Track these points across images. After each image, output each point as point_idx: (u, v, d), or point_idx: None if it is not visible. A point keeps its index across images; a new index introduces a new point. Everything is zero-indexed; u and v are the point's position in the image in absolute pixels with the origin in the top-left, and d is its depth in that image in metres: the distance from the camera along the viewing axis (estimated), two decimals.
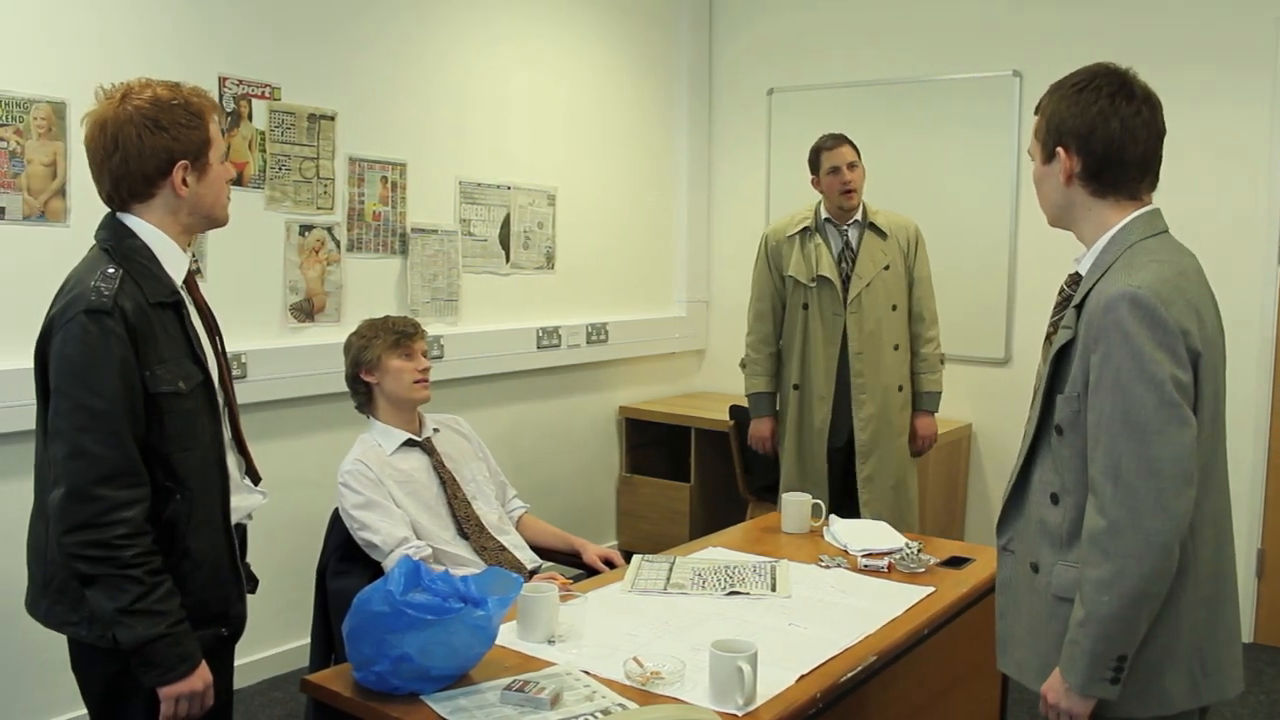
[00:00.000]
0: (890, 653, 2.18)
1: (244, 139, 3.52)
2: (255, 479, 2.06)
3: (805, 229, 3.86)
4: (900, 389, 3.84)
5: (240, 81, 3.50)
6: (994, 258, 4.69)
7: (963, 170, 4.76)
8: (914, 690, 2.36)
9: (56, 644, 3.14)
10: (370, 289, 3.95)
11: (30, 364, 2.96)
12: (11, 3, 2.98)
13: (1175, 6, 4.22)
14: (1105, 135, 1.70)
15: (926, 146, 4.83)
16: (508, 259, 4.53)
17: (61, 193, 3.10)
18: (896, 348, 3.81)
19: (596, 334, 4.93)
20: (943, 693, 2.51)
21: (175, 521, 1.80)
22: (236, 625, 1.96)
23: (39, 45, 3.04)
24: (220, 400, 1.93)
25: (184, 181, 1.82)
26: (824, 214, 3.87)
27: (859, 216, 3.83)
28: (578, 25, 4.83)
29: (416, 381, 2.78)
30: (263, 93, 3.57)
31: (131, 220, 1.85)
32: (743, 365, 4.08)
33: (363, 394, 2.80)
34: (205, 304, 1.98)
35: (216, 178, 1.87)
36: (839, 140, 3.82)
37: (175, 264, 1.87)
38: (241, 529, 2.05)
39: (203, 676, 1.80)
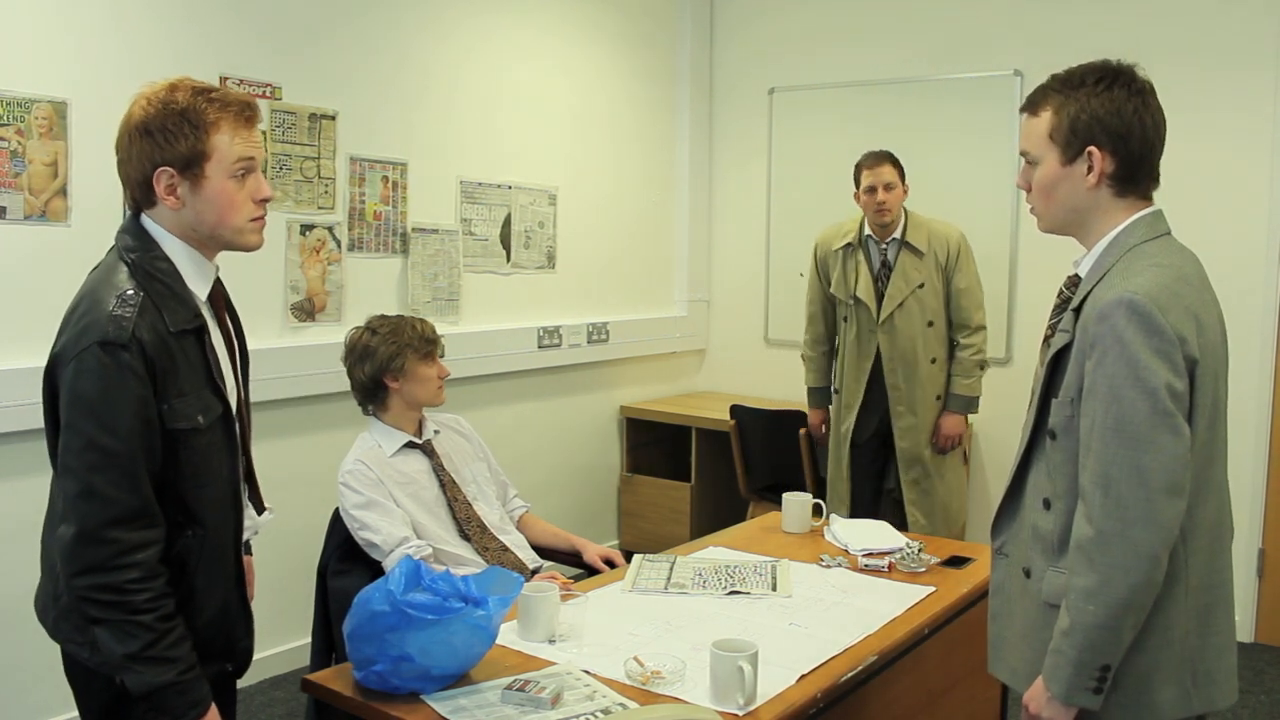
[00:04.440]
0: (891, 652, 2.18)
1: None
2: (259, 508, 1.96)
3: (849, 245, 3.99)
4: (938, 399, 4.00)
5: (241, 81, 3.50)
6: (995, 257, 4.69)
7: (963, 169, 4.76)
8: (915, 690, 2.36)
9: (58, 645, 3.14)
10: (371, 288, 3.96)
11: (34, 363, 2.98)
12: (12, 3, 2.98)
13: (1176, 5, 4.22)
14: (1141, 135, 1.67)
15: (927, 146, 4.83)
16: (509, 258, 4.53)
17: (63, 192, 3.10)
18: (934, 361, 3.96)
19: (597, 333, 4.93)
20: (943, 692, 2.51)
21: (185, 559, 1.72)
22: (242, 660, 1.89)
23: (40, 45, 3.04)
24: (238, 426, 1.84)
25: (172, 192, 1.70)
26: (867, 230, 3.97)
27: (898, 234, 3.92)
28: (579, 25, 4.83)
29: (439, 387, 2.81)
30: (264, 92, 3.57)
31: (154, 227, 1.73)
32: (804, 359, 4.29)
33: (380, 396, 2.78)
34: (229, 319, 1.88)
35: (218, 193, 1.71)
36: (880, 159, 3.87)
37: (199, 278, 1.76)
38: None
39: None
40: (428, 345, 2.78)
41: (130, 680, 1.64)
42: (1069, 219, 1.74)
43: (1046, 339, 1.78)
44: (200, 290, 1.76)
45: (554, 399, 4.80)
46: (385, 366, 2.73)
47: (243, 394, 1.89)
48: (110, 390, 1.60)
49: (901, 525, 3.85)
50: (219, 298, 1.84)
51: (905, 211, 3.95)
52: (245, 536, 1.92)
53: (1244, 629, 4.18)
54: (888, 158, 3.89)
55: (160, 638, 1.64)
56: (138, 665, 1.63)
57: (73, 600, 1.66)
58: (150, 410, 1.64)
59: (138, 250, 1.71)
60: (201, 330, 1.74)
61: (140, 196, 1.73)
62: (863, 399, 4.01)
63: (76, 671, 1.79)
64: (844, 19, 5.05)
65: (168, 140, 1.67)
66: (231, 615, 1.83)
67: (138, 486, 1.62)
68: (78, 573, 1.62)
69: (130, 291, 1.66)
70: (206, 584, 1.75)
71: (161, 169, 1.68)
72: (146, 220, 1.74)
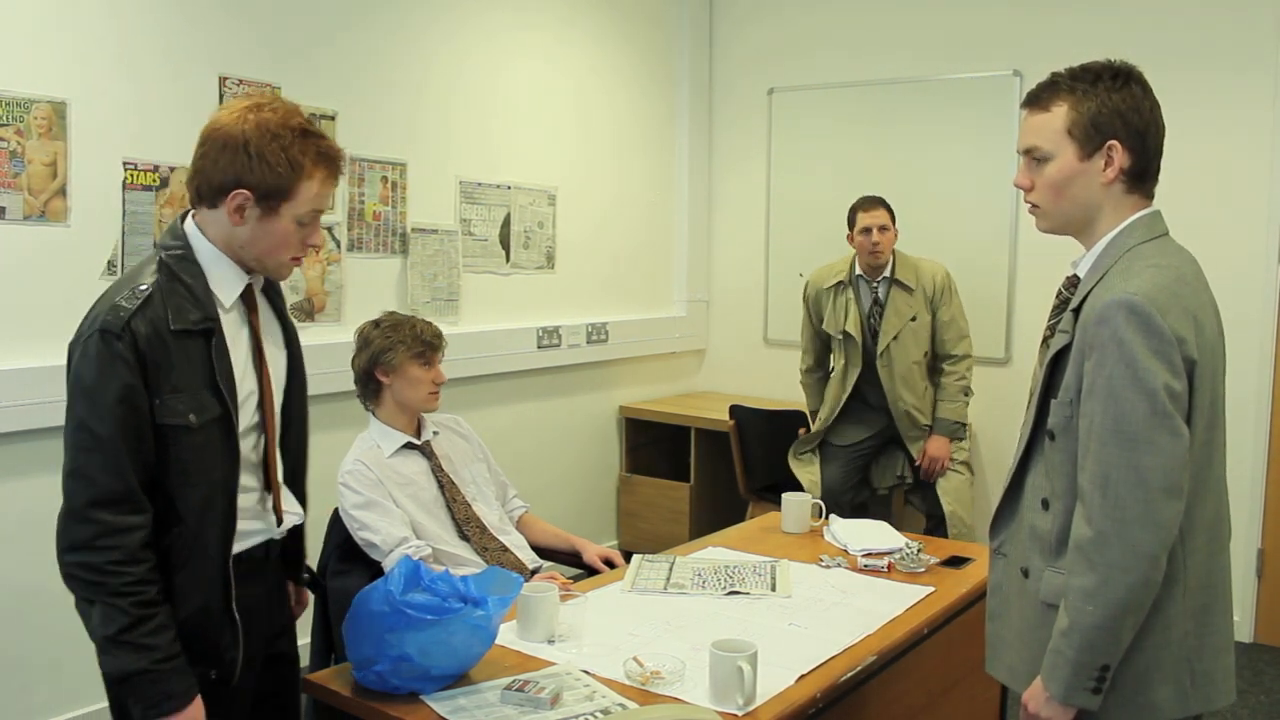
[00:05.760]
0: (890, 652, 2.18)
1: None
2: (279, 518, 1.91)
3: (839, 283, 4.17)
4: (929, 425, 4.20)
5: (240, 81, 3.50)
6: (994, 257, 4.70)
7: (963, 170, 4.76)
8: (914, 690, 2.36)
9: (56, 644, 3.15)
10: (370, 289, 3.95)
11: (33, 363, 2.99)
12: (12, 3, 2.98)
13: (1176, 6, 4.22)
14: (1155, 132, 1.69)
15: (927, 146, 4.84)
16: (508, 259, 4.53)
17: (62, 192, 3.10)
18: (928, 389, 4.16)
19: (597, 334, 4.93)
20: (942, 692, 2.51)
21: (170, 554, 1.72)
22: (228, 670, 1.82)
23: (39, 45, 3.04)
24: (258, 431, 1.84)
25: (239, 211, 1.73)
26: (858, 270, 4.16)
27: (888, 273, 4.11)
28: (578, 25, 4.83)
29: (431, 393, 2.77)
30: (263, 92, 3.57)
31: (194, 231, 1.78)
32: (802, 385, 4.48)
33: (372, 390, 2.78)
34: (260, 323, 1.86)
35: (281, 232, 1.76)
36: (874, 203, 4.07)
37: (227, 284, 1.78)
38: (298, 529, 2.00)
39: (192, 717, 1.70)
40: (421, 345, 2.75)
41: (105, 664, 1.67)
42: (1076, 216, 1.73)
43: (1045, 340, 1.78)
44: (225, 295, 1.78)
45: (553, 399, 4.80)
46: (377, 359, 2.73)
47: (272, 401, 1.87)
48: (102, 376, 1.65)
49: (899, 521, 3.95)
50: (253, 304, 1.85)
51: (894, 252, 4.13)
52: (249, 545, 1.87)
53: (1243, 629, 4.18)
54: (881, 202, 4.07)
55: (136, 623, 1.64)
56: (113, 648, 1.65)
57: (64, 578, 1.68)
58: (139, 399, 1.66)
59: (172, 249, 1.76)
60: (210, 333, 1.74)
61: (205, 196, 1.75)
62: (836, 417, 4.22)
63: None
64: (843, 19, 5.05)
65: (264, 167, 1.70)
66: (213, 620, 1.78)
67: (121, 471, 1.65)
68: (64, 549, 1.66)
69: (144, 287, 1.70)
70: (185, 583, 1.74)
71: (242, 190, 1.71)
72: (189, 223, 1.79)
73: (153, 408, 1.68)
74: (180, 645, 1.71)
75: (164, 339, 1.69)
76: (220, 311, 1.77)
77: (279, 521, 1.91)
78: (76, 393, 1.67)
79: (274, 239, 1.76)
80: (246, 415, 1.81)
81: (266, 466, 1.87)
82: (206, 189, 1.74)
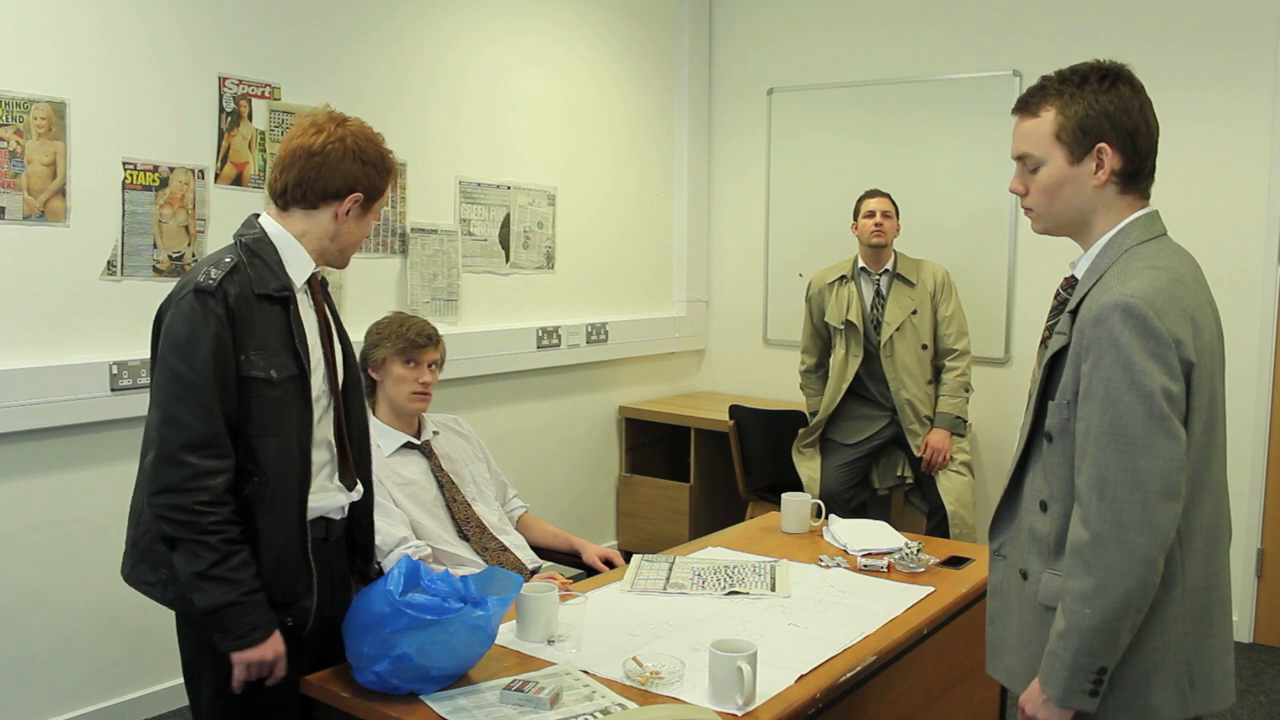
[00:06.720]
0: (890, 653, 2.18)
1: (244, 139, 3.52)
2: (350, 484, 2.09)
3: (842, 277, 4.25)
4: (929, 418, 4.23)
5: (240, 81, 3.50)
6: (994, 257, 4.70)
7: (962, 169, 4.76)
8: (913, 690, 2.36)
9: (56, 643, 3.15)
10: (370, 289, 3.95)
11: (33, 363, 2.99)
12: (12, 2, 2.98)
13: (1175, 5, 4.22)
14: (1146, 132, 1.68)
15: (926, 146, 4.84)
16: (507, 259, 4.53)
17: (61, 192, 3.10)
18: (930, 382, 4.21)
19: (596, 334, 4.93)
20: (942, 693, 2.51)
21: (251, 502, 1.89)
22: (302, 617, 1.97)
23: (39, 45, 3.04)
24: (327, 400, 2.02)
25: (348, 211, 1.99)
26: (860, 264, 4.24)
27: (889, 266, 4.20)
28: (578, 25, 4.83)
29: (415, 393, 2.74)
30: (262, 92, 3.57)
31: (269, 223, 2.00)
32: (801, 388, 4.51)
33: (369, 389, 2.78)
34: (326, 311, 2.07)
35: (368, 226, 2.06)
36: (880, 193, 4.25)
37: (298, 266, 1.99)
38: (359, 519, 2.15)
39: (274, 647, 1.88)
40: (404, 343, 2.73)
41: (197, 599, 1.83)
42: (1071, 219, 1.72)
43: (1044, 341, 1.77)
44: (296, 275, 1.99)
45: (553, 399, 4.80)
46: (367, 356, 2.74)
47: (338, 377, 2.06)
48: (196, 330, 1.83)
49: (899, 521, 3.93)
50: (318, 289, 2.05)
51: (895, 252, 4.22)
52: (320, 514, 2.01)
53: (1242, 629, 4.18)
54: (887, 194, 4.22)
55: (224, 559, 1.82)
56: (203, 583, 1.81)
57: (152, 519, 1.85)
58: (227, 353, 1.85)
59: (250, 236, 1.98)
60: (288, 301, 1.94)
61: (311, 197, 1.96)
62: (840, 412, 4.26)
63: (177, 625, 2.00)
64: (843, 19, 5.05)
65: (376, 173, 2.00)
66: (290, 568, 1.93)
67: (211, 417, 1.83)
68: (156, 492, 1.82)
69: (229, 260, 1.92)
70: (266, 530, 1.90)
71: (358, 193, 1.98)
72: (264, 218, 2.01)
73: (239, 362, 1.87)
74: (261, 583, 1.88)
75: (250, 301, 1.89)
76: (293, 287, 1.96)
77: (351, 486, 2.09)
78: (169, 347, 1.85)
79: (361, 232, 2.05)
80: (316, 382, 1.98)
81: (339, 438, 2.05)
82: (314, 194, 1.97)
